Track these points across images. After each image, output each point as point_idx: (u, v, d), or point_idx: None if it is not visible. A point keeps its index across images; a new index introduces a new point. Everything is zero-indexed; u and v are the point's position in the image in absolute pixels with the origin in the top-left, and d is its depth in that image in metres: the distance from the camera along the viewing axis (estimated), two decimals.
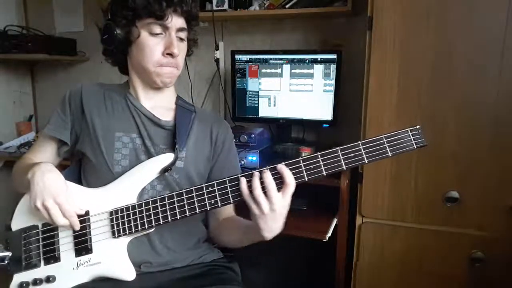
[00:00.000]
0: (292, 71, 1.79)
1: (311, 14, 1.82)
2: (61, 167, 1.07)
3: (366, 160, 0.84)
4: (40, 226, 0.97)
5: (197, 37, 1.13)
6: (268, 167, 0.85)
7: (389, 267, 1.47)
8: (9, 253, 0.96)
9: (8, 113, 2.38)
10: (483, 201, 1.33)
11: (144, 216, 0.93)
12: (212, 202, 0.90)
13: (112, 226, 0.95)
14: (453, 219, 1.36)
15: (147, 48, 1.00)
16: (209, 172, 1.11)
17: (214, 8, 1.88)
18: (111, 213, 0.95)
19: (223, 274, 1.06)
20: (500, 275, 1.34)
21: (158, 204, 0.93)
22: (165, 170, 1.00)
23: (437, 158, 1.34)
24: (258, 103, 1.88)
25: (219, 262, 1.11)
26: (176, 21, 1.00)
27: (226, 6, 1.88)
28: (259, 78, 1.85)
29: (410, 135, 0.85)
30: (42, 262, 0.95)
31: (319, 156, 0.85)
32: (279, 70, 1.81)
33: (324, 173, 0.85)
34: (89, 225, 0.95)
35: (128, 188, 0.98)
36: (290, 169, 0.85)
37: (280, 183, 0.84)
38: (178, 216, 0.92)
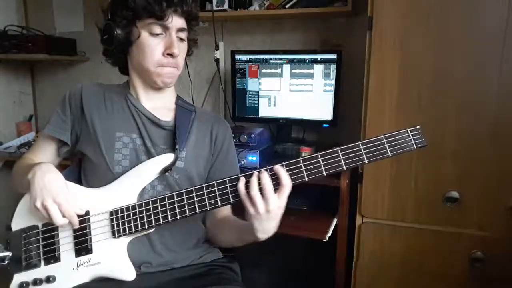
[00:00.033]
0: (292, 71, 1.79)
1: (311, 14, 1.82)
2: (61, 167, 1.07)
3: (366, 160, 0.84)
4: (40, 226, 0.97)
5: (197, 37, 1.13)
6: (267, 168, 0.86)
7: (389, 267, 1.47)
8: (9, 253, 0.96)
9: (8, 113, 2.38)
10: (483, 201, 1.33)
11: (144, 216, 0.93)
12: (212, 202, 0.90)
13: (112, 226, 0.95)
14: (453, 219, 1.36)
15: (147, 48, 1.00)
16: (208, 172, 1.11)
17: (214, 8, 1.88)
18: (111, 213, 0.95)
19: (223, 274, 1.06)
20: (500, 275, 1.34)
21: (158, 204, 0.93)
22: (165, 170, 1.00)
23: (437, 158, 1.34)
24: (258, 103, 1.88)
25: (219, 262, 1.11)
26: (176, 21, 1.00)
27: (226, 6, 1.88)
28: (259, 78, 1.85)
29: (410, 136, 0.85)
30: (42, 262, 0.95)
31: (319, 156, 0.85)
32: (279, 70, 1.81)
33: (324, 173, 0.85)
34: (89, 225, 0.95)
35: (128, 188, 0.98)
36: (290, 169, 0.85)
37: (278, 184, 0.84)
38: (178, 216, 0.92)
